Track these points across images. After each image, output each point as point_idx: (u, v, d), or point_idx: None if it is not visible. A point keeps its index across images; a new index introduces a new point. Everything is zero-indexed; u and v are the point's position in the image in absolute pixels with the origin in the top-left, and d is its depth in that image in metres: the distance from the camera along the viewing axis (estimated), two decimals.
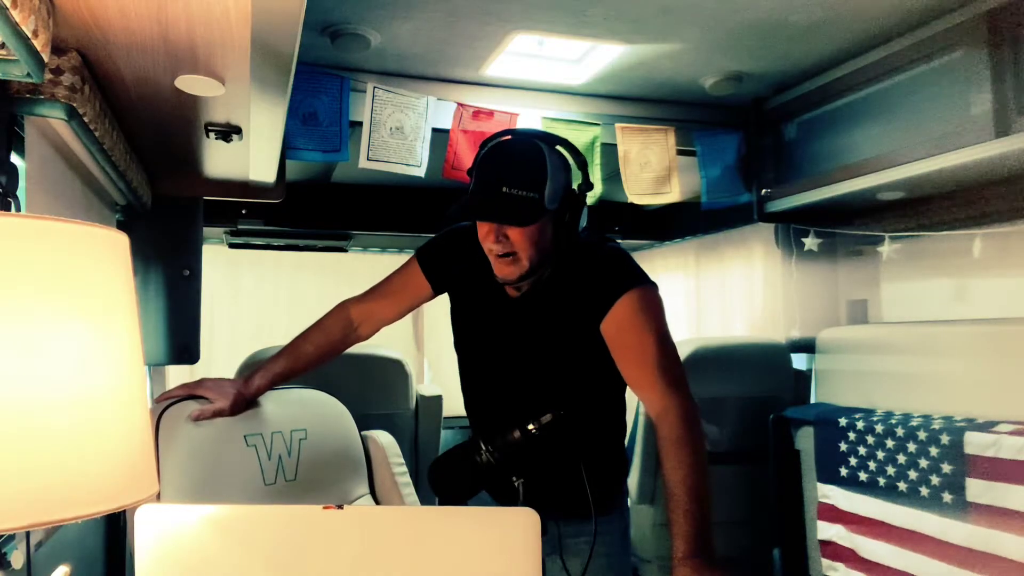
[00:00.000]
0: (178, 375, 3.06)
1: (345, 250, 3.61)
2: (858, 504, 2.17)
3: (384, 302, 1.74)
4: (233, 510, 0.95)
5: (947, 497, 1.91)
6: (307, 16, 1.10)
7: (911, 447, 2.01)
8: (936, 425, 1.97)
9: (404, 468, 1.88)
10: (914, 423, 2.03)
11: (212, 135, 1.63)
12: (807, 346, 2.72)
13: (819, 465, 2.31)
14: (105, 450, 0.75)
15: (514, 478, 1.35)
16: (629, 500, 1.90)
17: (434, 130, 2.33)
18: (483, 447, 1.34)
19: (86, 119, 1.24)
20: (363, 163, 2.26)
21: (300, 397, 1.78)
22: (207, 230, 2.76)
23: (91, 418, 0.74)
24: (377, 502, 1.80)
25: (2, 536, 0.99)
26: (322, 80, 2.20)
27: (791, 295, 2.84)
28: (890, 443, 2.08)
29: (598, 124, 2.50)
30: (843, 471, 2.21)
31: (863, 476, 2.15)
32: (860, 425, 2.17)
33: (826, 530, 2.27)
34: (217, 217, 2.83)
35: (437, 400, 2.75)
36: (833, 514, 2.25)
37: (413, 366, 2.73)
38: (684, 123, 2.65)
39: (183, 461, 1.47)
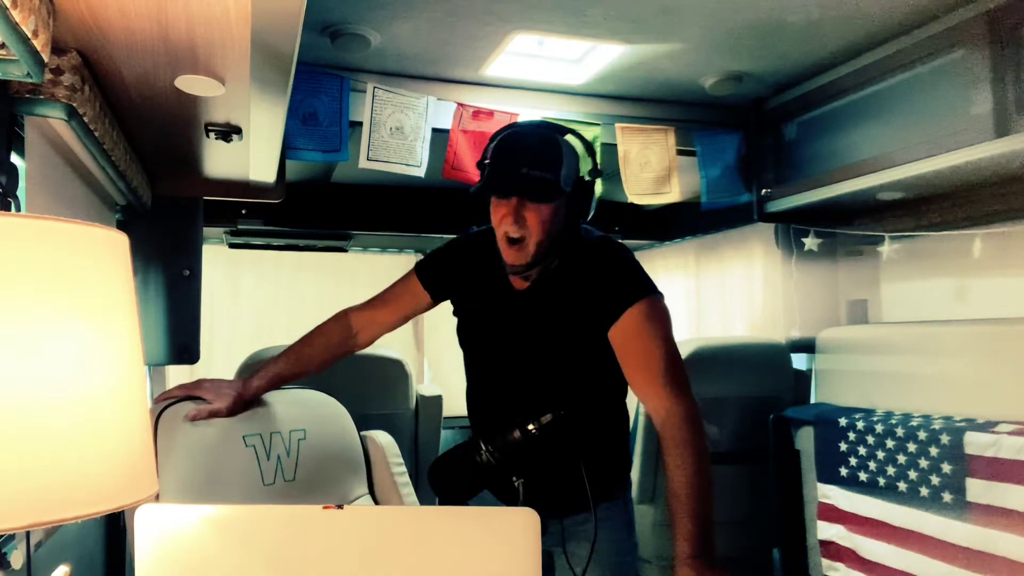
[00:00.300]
0: (178, 375, 3.05)
1: (345, 250, 3.61)
2: (858, 504, 2.17)
3: (384, 309, 1.78)
4: (233, 510, 0.95)
5: (947, 497, 1.91)
6: (307, 16, 1.10)
7: (911, 447, 2.01)
8: (936, 425, 1.97)
9: (403, 468, 1.88)
10: (914, 423, 2.03)
11: (212, 135, 1.63)
12: (807, 346, 2.72)
13: (819, 465, 2.31)
14: (105, 450, 0.75)
15: (514, 478, 1.35)
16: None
17: (434, 130, 2.33)
18: (483, 447, 1.34)
19: (86, 119, 1.24)
20: (363, 163, 2.26)
21: (299, 397, 1.78)
22: (207, 230, 2.76)
23: (91, 418, 0.74)
24: (376, 502, 1.80)
25: (2, 536, 0.99)
26: (322, 80, 2.20)
27: (791, 295, 2.84)
28: (890, 443, 2.08)
29: (598, 124, 2.50)
30: (843, 471, 2.21)
31: (863, 476, 2.15)
32: (860, 425, 2.17)
33: (826, 530, 2.27)
34: (217, 217, 2.83)
35: (437, 400, 2.75)
36: (833, 514, 2.25)
37: (413, 366, 2.73)
38: (684, 123, 2.65)
39: (182, 461, 1.47)
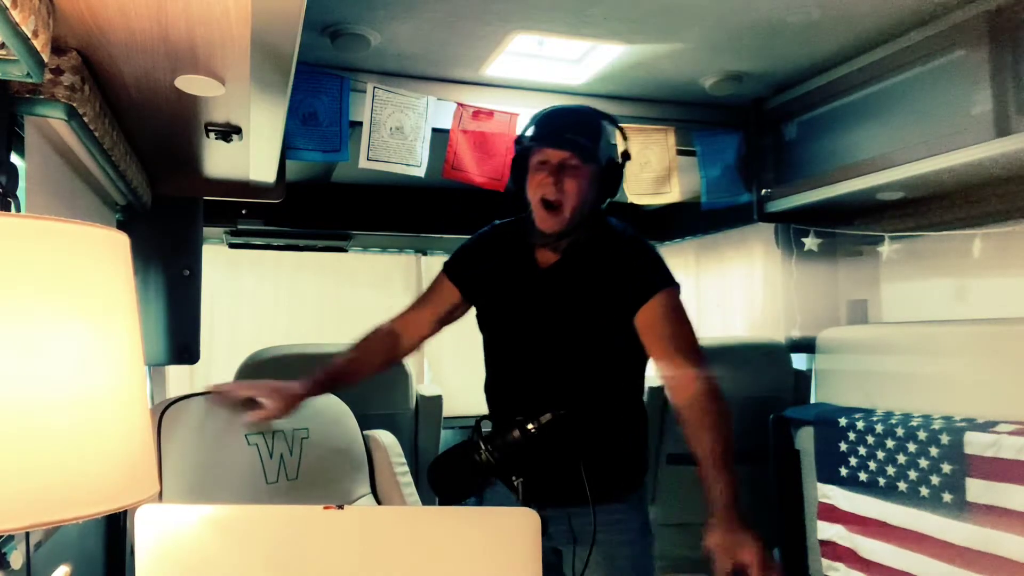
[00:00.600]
0: (178, 375, 3.06)
1: (345, 250, 3.61)
2: (858, 504, 2.17)
3: (421, 311, 1.83)
4: (233, 510, 0.95)
5: (947, 497, 1.91)
6: (307, 16, 1.10)
7: (911, 447, 2.01)
8: (936, 425, 1.97)
9: (406, 468, 1.88)
10: (914, 423, 2.03)
11: (212, 135, 1.63)
12: (807, 346, 2.71)
13: (819, 465, 2.31)
14: (105, 450, 0.75)
15: (514, 477, 1.35)
16: None
17: (434, 130, 2.33)
18: (483, 447, 1.34)
19: (86, 119, 1.24)
20: (363, 163, 2.26)
21: None
22: (207, 230, 2.76)
23: (91, 418, 0.74)
24: (379, 501, 1.80)
25: (2, 536, 0.99)
26: (322, 80, 2.20)
27: (791, 295, 2.84)
28: (890, 443, 2.08)
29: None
30: (843, 471, 2.21)
31: (863, 476, 2.15)
32: (860, 425, 2.17)
33: (826, 530, 2.27)
34: (217, 217, 2.83)
35: (437, 400, 2.75)
36: (833, 514, 2.25)
37: (413, 366, 2.73)
38: (684, 123, 2.65)
39: (185, 460, 1.47)
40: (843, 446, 2.21)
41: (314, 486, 1.65)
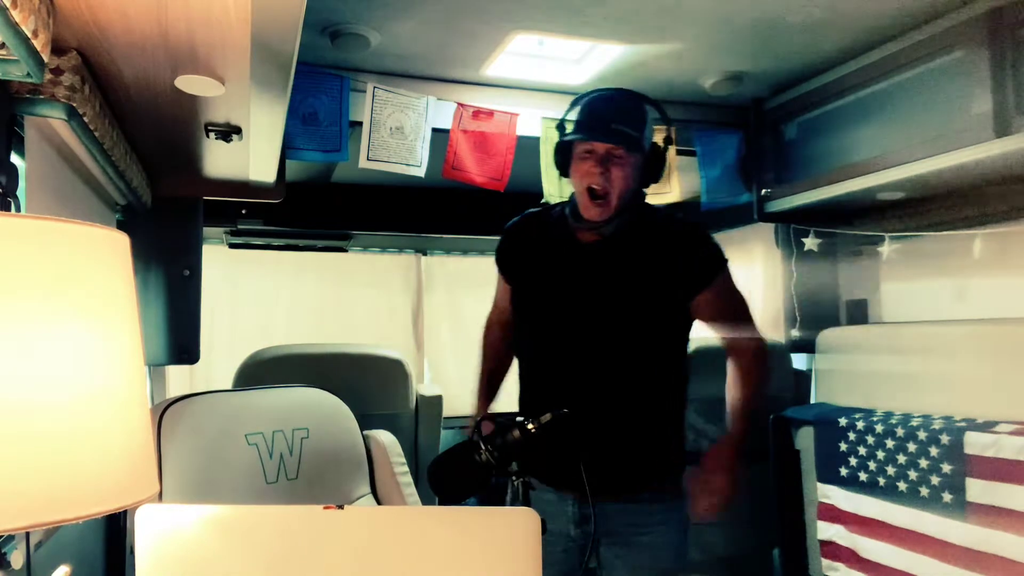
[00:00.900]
0: (178, 375, 3.05)
1: (345, 250, 3.61)
2: (858, 504, 2.17)
3: (500, 307, 1.92)
4: (233, 510, 0.95)
5: (947, 497, 1.91)
6: (307, 16, 1.10)
7: (911, 447, 2.01)
8: (936, 425, 1.97)
9: (406, 467, 1.88)
10: (914, 423, 2.03)
11: (212, 135, 1.63)
12: (807, 346, 2.71)
13: (819, 465, 2.31)
14: (105, 450, 0.75)
15: (513, 477, 1.35)
16: None
17: (434, 130, 2.33)
18: (483, 447, 1.34)
19: (86, 119, 1.24)
20: (363, 163, 2.26)
21: (302, 396, 1.78)
22: (207, 230, 2.75)
23: (91, 418, 0.74)
24: (379, 501, 1.80)
25: (2, 536, 0.99)
26: (322, 80, 2.20)
27: (791, 295, 2.84)
28: (890, 443, 2.07)
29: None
30: (843, 471, 2.21)
31: (863, 476, 2.15)
32: (860, 425, 2.17)
33: (826, 530, 2.27)
34: (217, 217, 2.83)
35: (437, 400, 2.75)
36: (833, 514, 2.25)
37: (413, 366, 2.73)
38: (684, 123, 2.65)
39: (185, 460, 1.47)
40: (843, 446, 2.21)
41: (314, 486, 1.65)
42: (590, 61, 2.31)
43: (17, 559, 1.03)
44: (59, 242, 0.73)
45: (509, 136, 2.40)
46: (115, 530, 1.84)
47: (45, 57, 0.95)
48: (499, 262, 1.88)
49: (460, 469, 1.36)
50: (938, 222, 2.43)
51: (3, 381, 0.68)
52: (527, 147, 2.43)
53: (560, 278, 1.70)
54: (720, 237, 3.48)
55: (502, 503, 1.40)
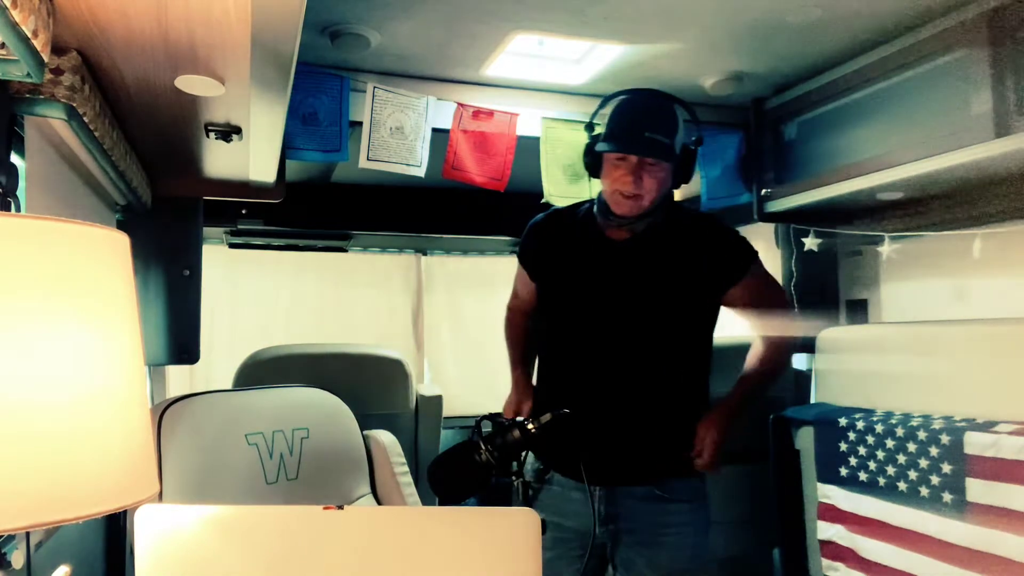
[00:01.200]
0: (178, 375, 3.06)
1: (345, 250, 3.61)
2: (858, 504, 2.16)
3: (521, 297, 1.94)
4: (233, 510, 0.95)
5: (947, 497, 1.91)
6: (307, 16, 1.10)
7: (911, 447, 2.01)
8: (936, 425, 1.97)
9: (406, 467, 1.88)
10: (914, 423, 2.03)
11: (212, 135, 1.63)
12: (807, 346, 2.71)
13: (819, 465, 2.31)
14: (105, 450, 0.75)
15: (513, 477, 1.35)
16: None
17: (434, 130, 2.33)
18: (483, 447, 1.34)
19: (86, 119, 1.24)
20: (363, 163, 2.26)
21: (302, 396, 1.78)
22: (207, 230, 2.76)
23: (91, 418, 0.74)
24: (379, 501, 1.80)
25: (2, 536, 0.99)
26: (322, 80, 2.20)
27: (791, 295, 2.84)
28: (890, 443, 2.07)
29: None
30: (843, 471, 2.21)
31: (863, 476, 2.15)
32: (860, 425, 2.17)
33: (826, 530, 2.27)
34: (217, 217, 2.83)
35: (437, 400, 2.75)
36: (833, 514, 2.25)
37: (413, 366, 2.73)
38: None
39: (185, 460, 1.47)
40: (843, 446, 2.21)
41: (314, 486, 1.65)
42: (590, 61, 2.31)
43: (17, 559, 1.03)
44: (59, 242, 0.73)
45: (509, 136, 2.40)
46: (115, 530, 1.84)
47: (45, 57, 0.95)
48: (522, 258, 1.88)
49: (460, 469, 1.37)
50: (938, 222, 2.43)
51: (3, 381, 0.68)
52: (527, 147, 2.43)
53: (591, 275, 1.70)
54: None
55: (502, 503, 1.41)
